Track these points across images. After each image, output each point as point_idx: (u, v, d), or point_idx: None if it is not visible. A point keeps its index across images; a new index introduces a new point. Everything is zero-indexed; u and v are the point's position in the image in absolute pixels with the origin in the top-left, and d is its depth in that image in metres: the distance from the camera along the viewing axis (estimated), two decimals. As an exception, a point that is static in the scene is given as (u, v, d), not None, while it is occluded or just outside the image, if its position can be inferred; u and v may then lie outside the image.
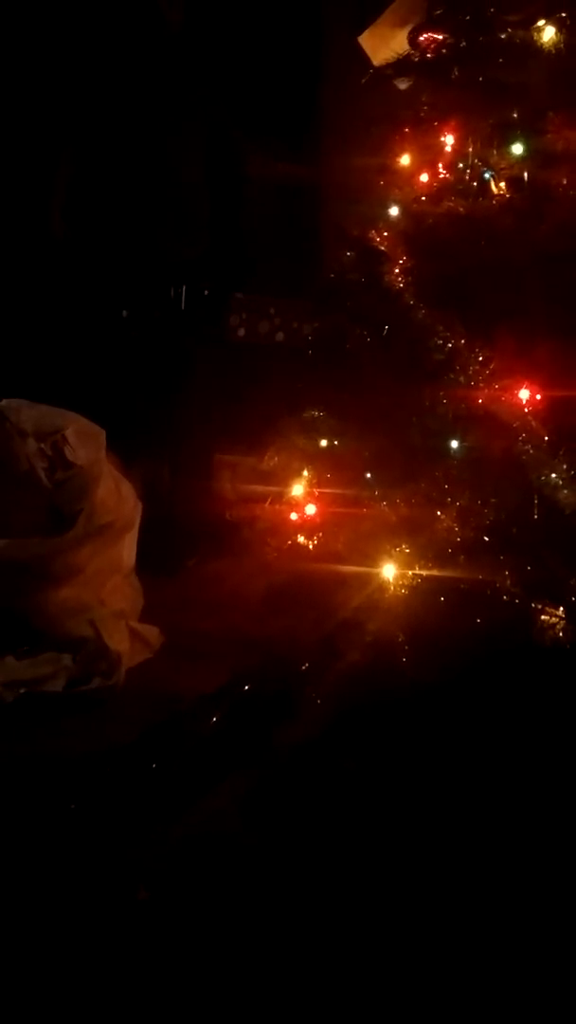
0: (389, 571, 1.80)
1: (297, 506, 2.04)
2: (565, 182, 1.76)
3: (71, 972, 1.39)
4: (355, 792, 1.66)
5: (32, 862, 1.57)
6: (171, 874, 1.53)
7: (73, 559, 2.26)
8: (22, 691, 2.09)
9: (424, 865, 1.54)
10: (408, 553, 1.77)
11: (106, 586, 2.35)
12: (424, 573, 1.75)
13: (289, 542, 2.05)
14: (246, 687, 1.95)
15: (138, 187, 2.79)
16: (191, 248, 2.86)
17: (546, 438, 1.66)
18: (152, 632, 2.36)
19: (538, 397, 1.68)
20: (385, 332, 1.88)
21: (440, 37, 1.92)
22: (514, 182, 1.85)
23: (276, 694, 1.90)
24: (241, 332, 2.99)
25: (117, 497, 2.38)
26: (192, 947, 1.42)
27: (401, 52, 1.97)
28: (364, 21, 2.23)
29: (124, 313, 2.83)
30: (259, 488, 2.23)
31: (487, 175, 1.88)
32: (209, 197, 2.92)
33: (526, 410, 1.68)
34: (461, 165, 1.93)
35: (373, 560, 1.82)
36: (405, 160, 2.01)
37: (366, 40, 2.13)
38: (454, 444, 1.76)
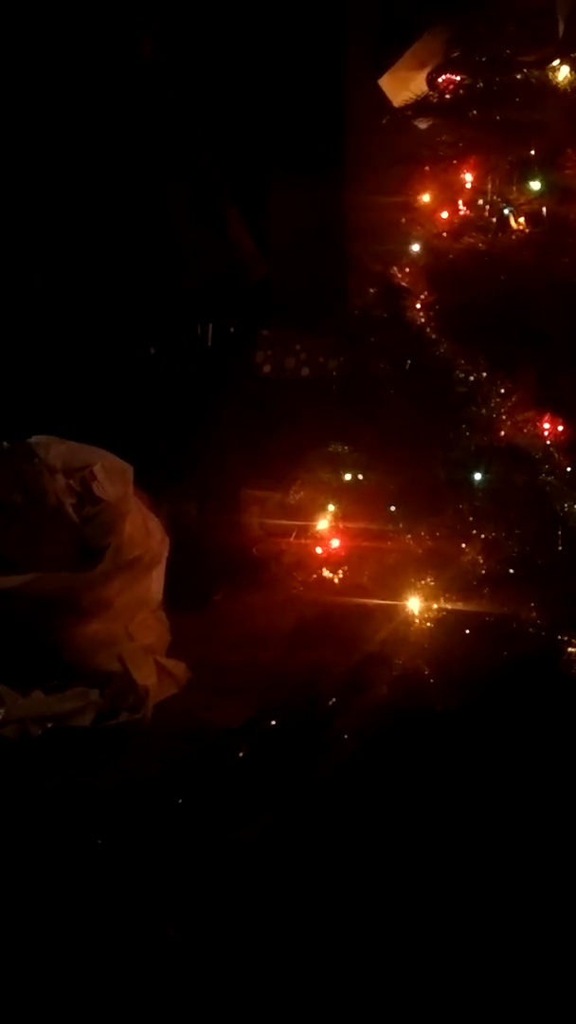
0: (415, 604, 1.80)
1: (323, 540, 2.06)
2: (583, 215, 1.78)
3: (100, 1009, 1.38)
4: (382, 825, 1.65)
5: (60, 897, 1.57)
6: (200, 911, 1.52)
7: (101, 593, 2.28)
8: (50, 725, 2.10)
9: (453, 897, 1.52)
10: (433, 586, 1.78)
11: (134, 620, 2.36)
12: (450, 606, 1.75)
13: (315, 576, 2.06)
14: (273, 721, 1.95)
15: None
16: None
17: (568, 469, 1.67)
18: (179, 667, 2.36)
19: (560, 428, 1.69)
20: (408, 366, 1.89)
21: (458, 78, 1.96)
22: (533, 217, 1.88)
23: (303, 728, 1.90)
24: (267, 368, 3.03)
25: (145, 532, 2.41)
26: (221, 984, 1.41)
27: (420, 93, 2.01)
28: (384, 63, 2.27)
29: (152, 350, 2.88)
30: (285, 522, 2.25)
31: (506, 211, 1.91)
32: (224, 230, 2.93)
33: (548, 442, 1.69)
34: (481, 201, 1.96)
35: (398, 593, 1.82)
36: (426, 198, 2.04)
37: (386, 82, 2.17)
38: (477, 476, 1.77)
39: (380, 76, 2.25)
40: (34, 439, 2.41)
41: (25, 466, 2.33)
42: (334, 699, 1.92)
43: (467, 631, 1.72)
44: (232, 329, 2.92)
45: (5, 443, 2.41)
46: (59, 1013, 1.38)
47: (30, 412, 2.77)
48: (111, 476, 2.38)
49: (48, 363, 3.28)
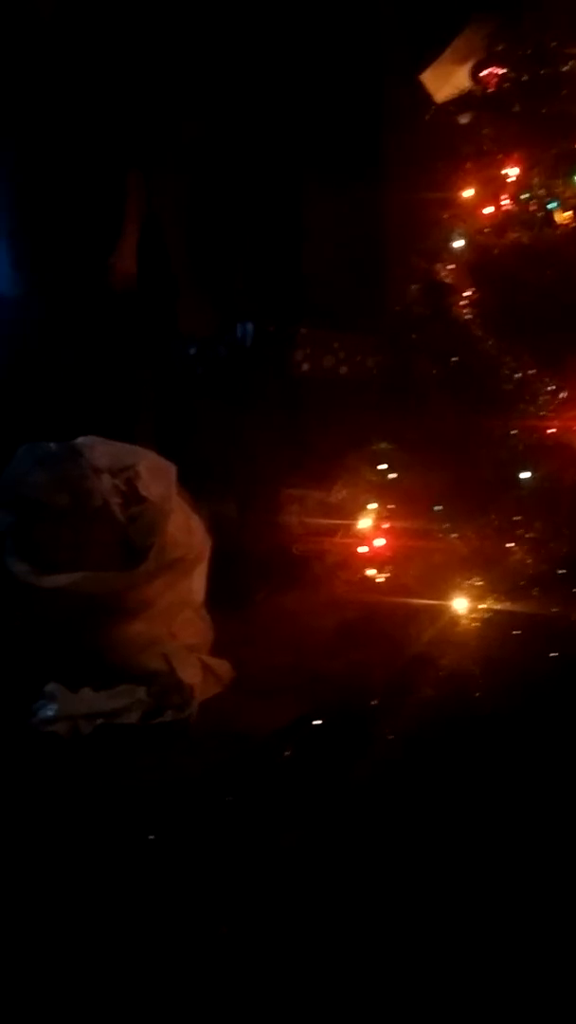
0: (461, 604, 1.79)
1: (366, 539, 2.05)
2: (632, 208, 1.75)
3: (153, 1008, 1.39)
4: (429, 828, 1.64)
5: (109, 893, 1.58)
6: (250, 909, 1.53)
7: (145, 593, 2.29)
8: (99, 722, 2.12)
9: (501, 902, 1.51)
10: (480, 586, 1.76)
11: (177, 620, 2.37)
12: (497, 606, 1.73)
13: (359, 575, 2.05)
14: (318, 722, 1.95)
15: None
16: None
17: (620, 467, 1.64)
18: (223, 666, 2.37)
19: (610, 426, 1.67)
20: (453, 363, 1.88)
21: (501, 72, 1.94)
22: (579, 211, 1.85)
23: (348, 729, 1.90)
24: (306, 367, 3.03)
25: (187, 531, 2.41)
26: (273, 982, 1.42)
27: (463, 88, 2.00)
28: (423, 58, 2.26)
29: (192, 351, 2.90)
30: (327, 521, 2.24)
31: (551, 205, 1.88)
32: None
33: (598, 439, 1.67)
34: (525, 196, 1.94)
35: (444, 593, 1.81)
36: (468, 193, 2.02)
37: (428, 78, 2.16)
38: (525, 475, 1.75)
39: (418, 72, 2.24)
40: (79, 440, 2.42)
41: (71, 467, 2.34)
42: (378, 700, 1.92)
43: (515, 632, 1.70)
44: (271, 329, 2.93)
45: (51, 445, 2.43)
46: (112, 1010, 1.39)
47: (72, 414, 2.79)
48: (155, 475, 2.39)
49: (90, 364, 3.31)
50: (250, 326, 2.89)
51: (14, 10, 2.71)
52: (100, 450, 2.40)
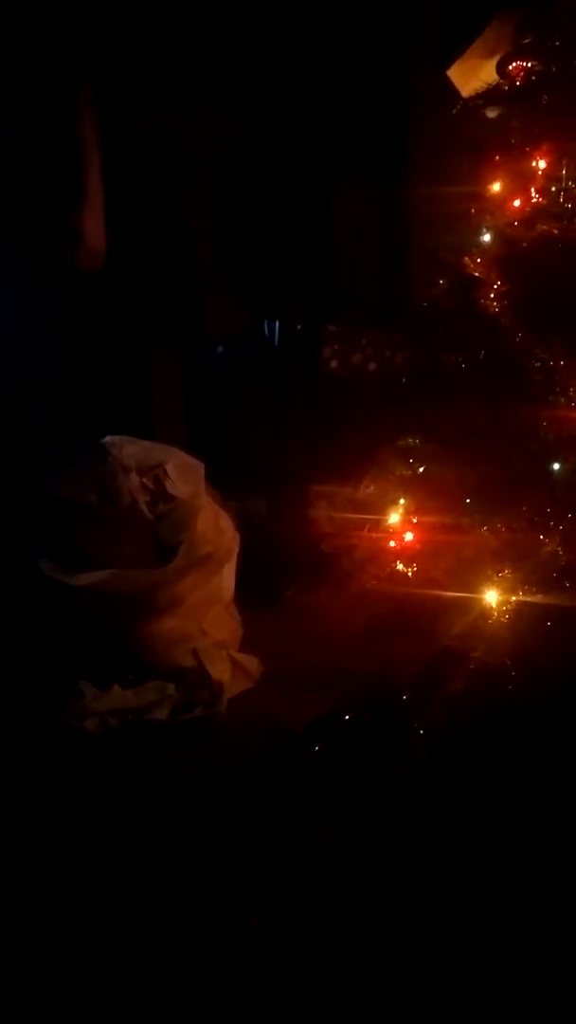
0: (492, 597, 1.77)
1: (395, 533, 2.04)
2: None
3: (181, 999, 1.40)
4: (462, 822, 1.63)
5: (139, 888, 1.59)
6: (281, 902, 1.53)
7: (175, 590, 2.31)
8: (128, 719, 2.13)
9: (532, 896, 1.49)
10: (511, 579, 1.75)
11: (207, 616, 2.39)
12: (529, 598, 1.72)
13: (388, 570, 2.05)
14: (347, 717, 1.95)
15: None
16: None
17: None
18: (252, 662, 2.38)
19: None
20: (481, 357, 1.87)
21: (529, 64, 1.93)
22: (610, 202, 1.83)
23: (379, 724, 1.89)
24: (334, 364, 3.03)
25: (216, 528, 2.43)
26: (303, 976, 1.42)
27: (490, 82, 1.99)
28: (450, 53, 2.25)
29: (219, 349, 2.91)
30: (356, 517, 2.24)
31: (582, 195, 1.87)
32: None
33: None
34: (554, 188, 1.92)
35: (475, 586, 1.80)
36: (496, 187, 2.01)
37: (454, 72, 2.15)
38: (556, 466, 1.73)
39: (445, 67, 2.23)
40: (107, 439, 2.44)
41: (99, 466, 2.37)
42: (408, 694, 1.91)
43: (548, 623, 1.69)
44: (298, 326, 2.93)
45: (80, 445, 2.46)
46: (139, 1005, 1.40)
47: (101, 415, 2.81)
48: (183, 473, 2.41)
49: (117, 363, 3.33)
50: (277, 324, 2.90)
51: None
52: (128, 449, 2.42)
